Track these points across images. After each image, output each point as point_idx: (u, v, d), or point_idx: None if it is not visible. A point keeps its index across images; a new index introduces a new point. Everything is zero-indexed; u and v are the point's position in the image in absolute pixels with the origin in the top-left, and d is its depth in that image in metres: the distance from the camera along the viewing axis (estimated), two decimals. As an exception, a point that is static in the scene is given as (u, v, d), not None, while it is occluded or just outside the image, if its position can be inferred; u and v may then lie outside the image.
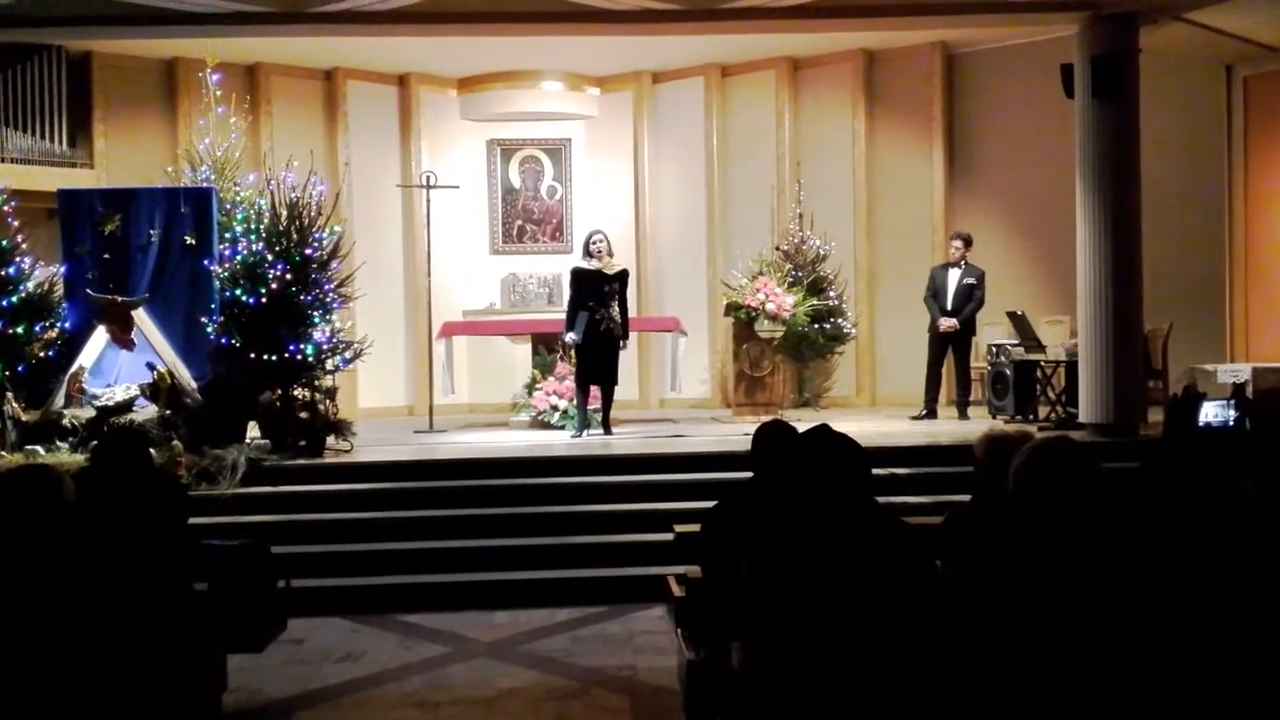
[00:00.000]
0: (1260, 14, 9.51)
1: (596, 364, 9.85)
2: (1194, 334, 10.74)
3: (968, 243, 10.80)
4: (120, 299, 8.75)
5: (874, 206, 12.64)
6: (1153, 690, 2.73)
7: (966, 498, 4.35)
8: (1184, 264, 11.12)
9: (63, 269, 8.92)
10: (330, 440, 8.77)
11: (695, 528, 5.03)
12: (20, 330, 8.52)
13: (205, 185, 9.13)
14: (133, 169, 11.25)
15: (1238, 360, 10.81)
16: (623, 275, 10.10)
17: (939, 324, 10.66)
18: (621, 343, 10.03)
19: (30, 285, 8.78)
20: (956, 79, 12.45)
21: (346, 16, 9.32)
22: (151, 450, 5.77)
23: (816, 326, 11.80)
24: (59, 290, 8.94)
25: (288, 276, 8.69)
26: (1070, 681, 2.71)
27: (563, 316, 10.13)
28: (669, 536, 6.00)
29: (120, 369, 8.76)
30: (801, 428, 3.69)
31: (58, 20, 9.50)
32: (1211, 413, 5.44)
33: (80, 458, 7.53)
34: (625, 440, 9.63)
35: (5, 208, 8.83)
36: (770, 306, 10.84)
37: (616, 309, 9.90)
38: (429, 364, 11.27)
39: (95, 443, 6.07)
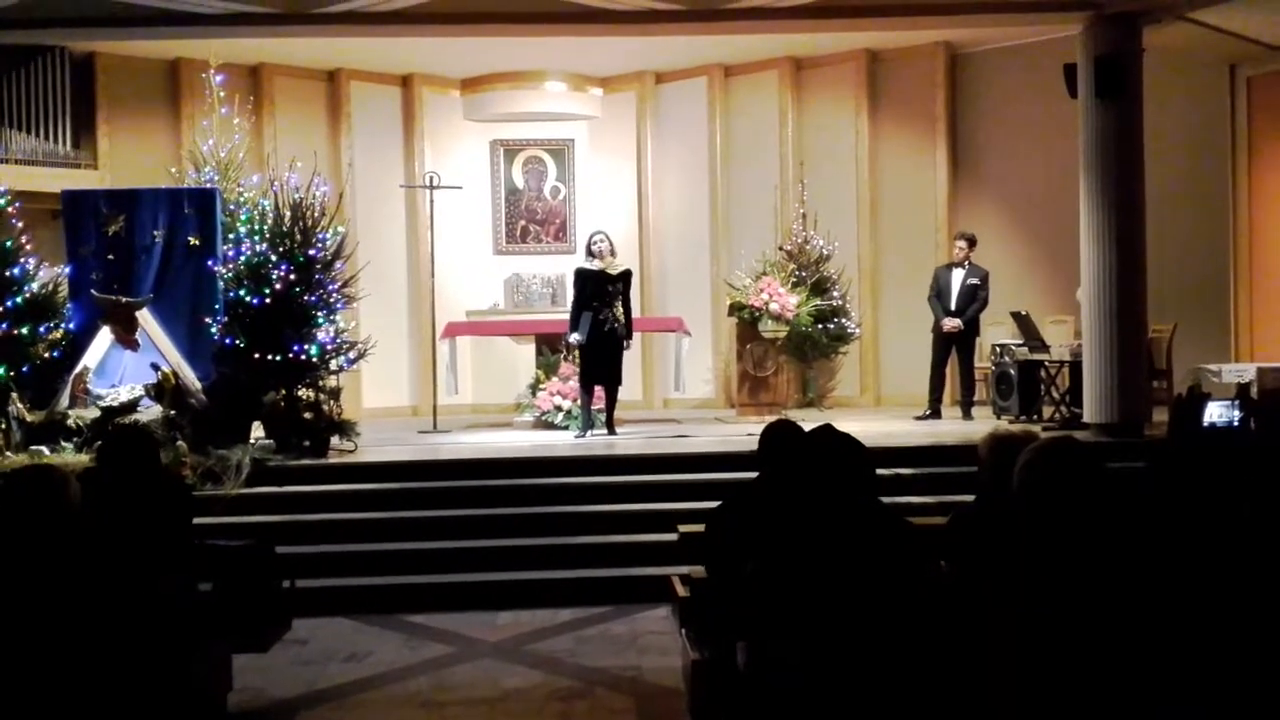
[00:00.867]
0: (1264, 13, 9.50)
1: (600, 364, 9.86)
2: (1198, 334, 10.73)
3: (972, 243, 10.78)
4: (124, 299, 8.76)
5: (877, 206, 12.63)
6: (1155, 690, 2.73)
7: (971, 498, 4.36)
8: (1188, 264, 11.11)
9: (67, 270, 8.93)
10: (334, 440, 8.77)
11: (699, 528, 5.04)
12: (25, 331, 8.52)
13: (209, 186, 9.15)
14: (136, 170, 11.25)
15: (1242, 360, 10.77)
16: (626, 275, 10.12)
17: (943, 324, 10.63)
18: (625, 343, 10.05)
19: (35, 286, 8.79)
20: (960, 79, 12.42)
21: (349, 17, 9.34)
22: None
23: (820, 326, 11.78)
24: (63, 291, 8.95)
25: (291, 277, 8.70)
26: (1073, 681, 2.71)
27: (566, 317, 10.14)
28: (673, 537, 6.03)
29: (125, 369, 8.78)
30: (806, 428, 3.69)
31: (61, 21, 9.53)
32: (1216, 413, 5.45)
33: (85, 458, 7.53)
34: (629, 440, 9.63)
35: (9, 209, 8.85)
36: (774, 306, 10.83)
37: (620, 309, 9.92)
38: (433, 364, 11.27)
39: (100, 443, 6.07)
